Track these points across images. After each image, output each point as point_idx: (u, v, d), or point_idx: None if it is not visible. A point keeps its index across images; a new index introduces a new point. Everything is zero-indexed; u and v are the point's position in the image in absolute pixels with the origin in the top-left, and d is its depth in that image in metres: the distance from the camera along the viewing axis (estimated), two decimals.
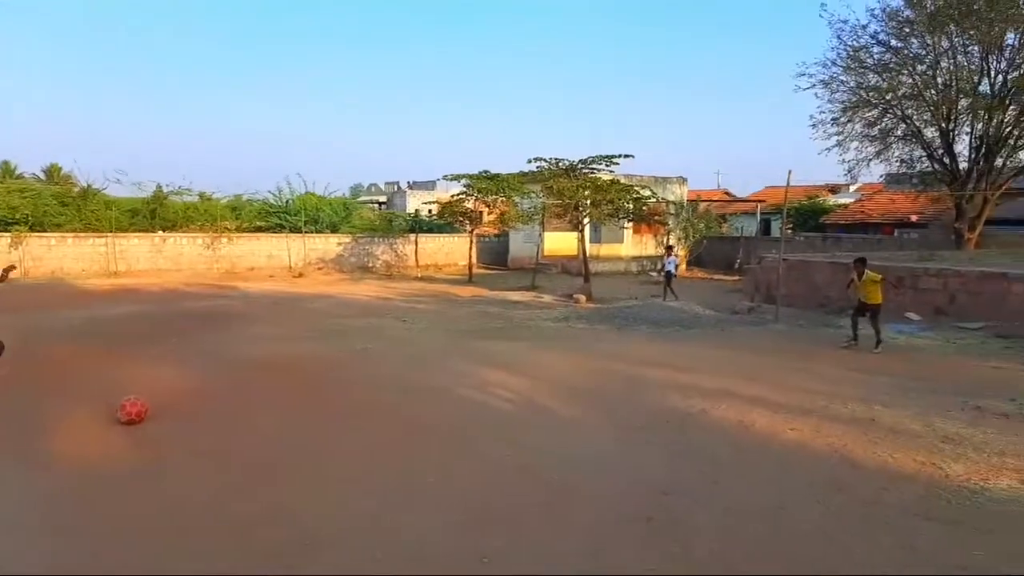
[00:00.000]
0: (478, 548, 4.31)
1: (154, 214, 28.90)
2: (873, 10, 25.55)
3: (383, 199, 54.75)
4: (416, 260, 32.59)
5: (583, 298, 19.76)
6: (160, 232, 28.16)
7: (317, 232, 31.33)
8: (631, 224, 28.84)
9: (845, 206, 39.31)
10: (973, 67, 22.51)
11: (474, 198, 27.32)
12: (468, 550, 4.29)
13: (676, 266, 20.85)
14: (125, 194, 29.41)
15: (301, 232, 30.47)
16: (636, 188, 23.89)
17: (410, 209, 41.93)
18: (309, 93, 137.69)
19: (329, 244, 31.18)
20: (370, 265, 31.61)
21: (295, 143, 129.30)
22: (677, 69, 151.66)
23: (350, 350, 11.24)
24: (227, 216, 30.18)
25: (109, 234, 26.55)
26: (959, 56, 22.53)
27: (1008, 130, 22.27)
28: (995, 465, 5.78)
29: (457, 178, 27.06)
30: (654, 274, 26.81)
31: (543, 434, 6.77)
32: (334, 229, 32.15)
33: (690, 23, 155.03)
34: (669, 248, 21.69)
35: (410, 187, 57.53)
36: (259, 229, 30.75)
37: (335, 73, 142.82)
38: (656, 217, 27.17)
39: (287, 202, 32.30)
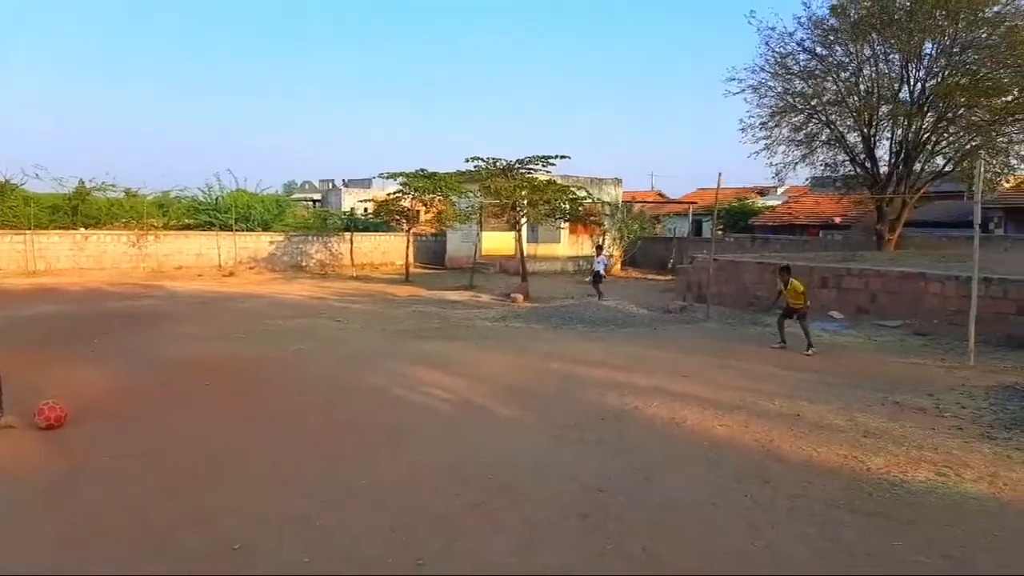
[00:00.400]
0: (413, 550, 4.26)
1: (76, 211, 27.71)
2: (800, 18, 26.47)
3: (317, 197, 53.84)
4: (351, 259, 32.14)
5: (520, 297, 19.83)
6: (82, 229, 27.02)
7: (248, 230, 30.59)
8: (567, 224, 29.09)
9: (773, 208, 40.51)
10: (894, 75, 23.49)
11: (411, 197, 27.10)
12: (403, 552, 4.24)
13: (605, 266, 21.05)
14: (45, 190, 28.17)
15: (232, 230, 29.70)
16: (572, 189, 24.15)
17: (345, 207, 41.37)
18: (242, 89, 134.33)
19: (261, 243, 30.49)
20: (304, 264, 31.05)
21: (226, 140, 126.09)
22: (612, 72, 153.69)
23: (282, 350, 11.01)
24: (154, 213, 29.16)
25: (28, 231, 25.36)
26: (880, 64, 23.48)
27: (926, 136, 23.31)
28: (913, 458, 6.03)
29: (393, 176, 26.78)
30: (588, 278, 27.05)
31: (479, 433, 6.77)
32: (266, 227, 31.45)
33: (624, 26, 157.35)
34: (599, 248, 21.87)
35: (345, 185, 56.75)
36: (188, 227, 29.88)
37: (268, 69, 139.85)
38: (592, 217, 27.47)
39: (217, 199, 31.45)
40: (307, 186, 62.90)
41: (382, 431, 6.81)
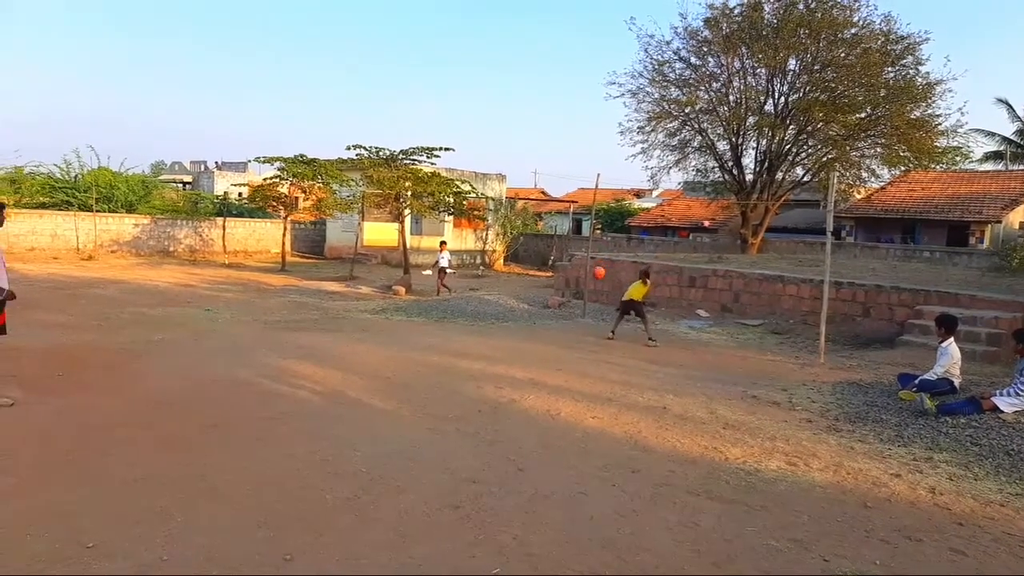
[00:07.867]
0: (280, 546, 4.13)
1: None
2: (676, 28, 27.48)
3: (188, 179, 51.18)
4: (224, 246, 30.76)
5: (402, 290, 19.66)
6: None
7: (111, 211, 28.74)
8: (452, 218, 29.06)
9: (648, 210, 42.11)
10: (760, 88, 24.95)
11: (289, 182, 26.27)
12: (269, 548, 4.10)
13: (449, 261, 21.04)
14: None
15: (92, 211, 27.77)
16: (456, 182, 24.14)
17: (218, 191, 39.58)
18: (108, 62, 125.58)
19: (124, 225, 28.70)
20: (171, 249, 29.51)
21: (89, 114, 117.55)
22: (498, 70, 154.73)
23: (144, 340, 10.41)
24: (5, 190, 26.98)
25: None
26: (749, 77, 24.88)
27: (787, 147, 24.90)
28: (767, 448, 6.43)
29: (271, 161, 25.87)
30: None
31: (353, 427, 6.65)
32: (130, 209, 29.62)
33: (507, 27, 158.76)
34: (443, 243, 21.86)
35: (219, 168, 54.38)
36: (43, 206, 27.76)
37: (137, 43, 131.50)
38: (476, 212, 27.60)
39: (76, 177, 29.38)
40: (177, 167, 59.71)
41: (250, 425, 6.56)
